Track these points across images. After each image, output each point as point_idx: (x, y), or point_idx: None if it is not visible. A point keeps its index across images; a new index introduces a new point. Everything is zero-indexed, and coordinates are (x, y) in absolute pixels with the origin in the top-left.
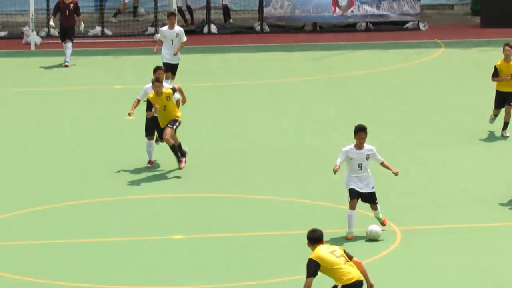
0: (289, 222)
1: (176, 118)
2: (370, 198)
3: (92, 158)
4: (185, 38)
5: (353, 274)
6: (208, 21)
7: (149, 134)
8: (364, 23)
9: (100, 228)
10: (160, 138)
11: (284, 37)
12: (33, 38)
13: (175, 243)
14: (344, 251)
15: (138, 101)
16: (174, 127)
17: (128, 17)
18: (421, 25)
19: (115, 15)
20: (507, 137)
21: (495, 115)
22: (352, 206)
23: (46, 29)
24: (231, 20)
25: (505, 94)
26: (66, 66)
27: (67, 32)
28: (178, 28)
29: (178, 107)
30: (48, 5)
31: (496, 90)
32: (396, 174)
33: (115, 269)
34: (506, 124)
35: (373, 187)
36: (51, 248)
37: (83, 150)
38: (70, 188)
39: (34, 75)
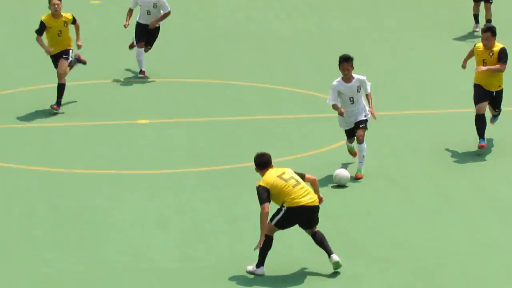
0: (255, 107)
1: (69, 48)
2: (360, 123)
3: None
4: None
5: (303, 197)
6: None
7: (139, 40)
8: None
9: (67, 113)
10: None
11: None
12: None
13: (140, 127)
14: (295, 172)
15: (131, 10)
16: (68, 61)
17: None
18: None
19: None
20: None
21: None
22: (351, 142)
23: None
24: None
25: None
26: None
27: None
28: None
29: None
30: None
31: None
32: (371, 114)
33: (82, 154)
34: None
35: (365, 116)
36: (15, 132)
37: None
38: (28, 73)
39: None
